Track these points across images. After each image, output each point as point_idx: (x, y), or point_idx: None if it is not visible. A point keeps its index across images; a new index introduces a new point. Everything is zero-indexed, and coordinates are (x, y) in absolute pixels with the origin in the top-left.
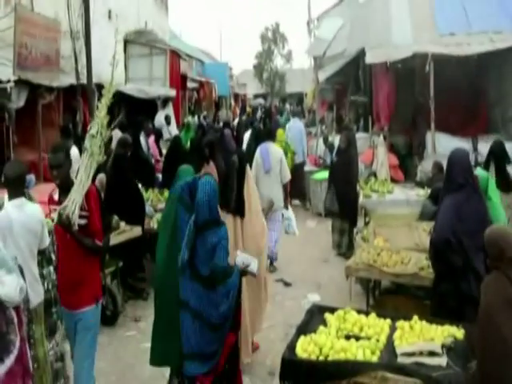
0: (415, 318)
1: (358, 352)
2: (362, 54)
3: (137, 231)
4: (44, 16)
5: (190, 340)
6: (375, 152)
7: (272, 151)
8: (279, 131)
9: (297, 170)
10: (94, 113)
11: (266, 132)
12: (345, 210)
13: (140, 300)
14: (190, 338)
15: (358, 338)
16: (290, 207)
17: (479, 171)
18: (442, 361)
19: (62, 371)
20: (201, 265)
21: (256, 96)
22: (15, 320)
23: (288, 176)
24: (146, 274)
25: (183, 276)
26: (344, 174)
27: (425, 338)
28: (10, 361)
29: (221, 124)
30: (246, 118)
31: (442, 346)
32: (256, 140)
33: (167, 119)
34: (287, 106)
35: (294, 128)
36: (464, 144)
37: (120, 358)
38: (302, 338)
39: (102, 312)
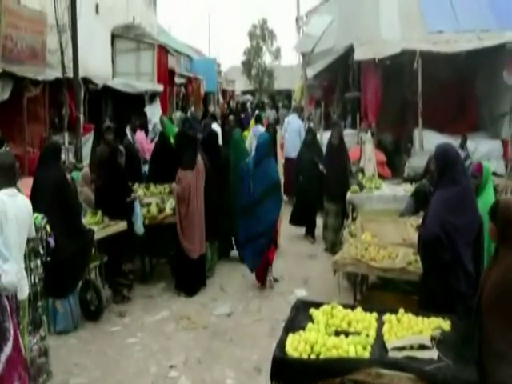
0: (401, 310)
1: (349, 348)
2: (350, 50)
3: (122, 225)
4: (30, 8)
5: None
6: (363, 148)
7: (261, 131)
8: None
9: (290, 165)
10: (80, 107)
11: (256, 118)
12: (339, 205)
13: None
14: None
15: (347, 334)
16: None
17: (485, 163)
18: (433, 354)
19: (45, 366)
20: (257, 190)
21: (244, 92)
22: (8, 307)
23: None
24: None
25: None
26: (339, 169)
27: (413, 330)
28: (8, 348)
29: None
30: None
31: (432, 339)
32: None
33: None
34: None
35: (293, 124)
36: (452, 141)
37: (105, 353)
38: (290, 336)
39: (86, 307)
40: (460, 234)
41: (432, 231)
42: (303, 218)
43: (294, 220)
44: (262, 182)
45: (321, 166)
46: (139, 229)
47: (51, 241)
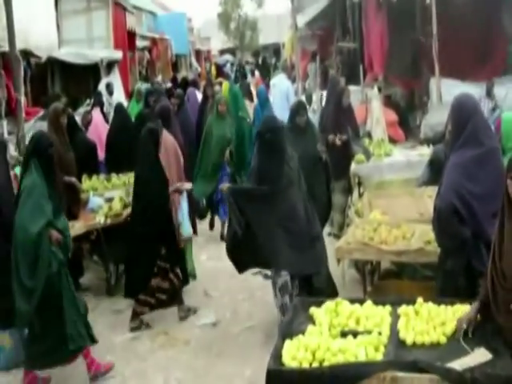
0: (419, 300)
1: (358, 351)
2: None
3: (78, 228)
4: None
5: None
6: (368, 107)
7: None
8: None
9: None
10: (20, 87)
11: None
12: (345, 179)
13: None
14: None
15: (355, 334)
16: None
17: (506, 114)
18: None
19: None
20: None
21: (222, 52)
22: None
23: None
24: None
25: None
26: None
27: (434, 323)
28: None
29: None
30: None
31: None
32: None
33: (109, 88)
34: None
35: (280, 86)
36: (477, 90)
37: None
38: (288, 343)
39: None
40: (481, 203)
41: (447, 202)
42: None
43: None
44: None
45: (321, 151)
46: (186, 231)
47: None
